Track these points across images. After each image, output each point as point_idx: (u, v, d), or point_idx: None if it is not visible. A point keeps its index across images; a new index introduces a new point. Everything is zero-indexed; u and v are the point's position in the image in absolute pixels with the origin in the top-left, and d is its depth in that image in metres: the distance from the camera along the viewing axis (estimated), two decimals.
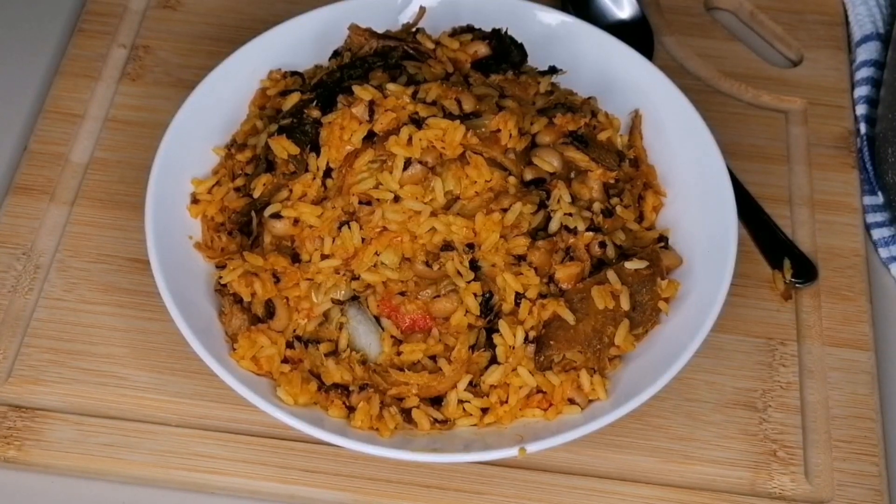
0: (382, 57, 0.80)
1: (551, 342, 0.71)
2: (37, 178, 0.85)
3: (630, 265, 0.74)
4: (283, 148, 0.76)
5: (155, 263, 0.73)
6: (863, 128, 0.90)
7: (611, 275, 0.73)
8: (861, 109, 0.91)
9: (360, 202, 0.73)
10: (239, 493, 0.73)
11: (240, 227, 0.77)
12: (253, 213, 0.76)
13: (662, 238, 0.78)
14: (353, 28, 0.83)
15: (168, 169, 0.78)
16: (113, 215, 0.83)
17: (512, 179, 0.75)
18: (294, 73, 0.83)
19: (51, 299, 0.79)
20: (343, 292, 0.73)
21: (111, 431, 0.74)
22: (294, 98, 0.79)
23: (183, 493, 0.73)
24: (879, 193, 0.88)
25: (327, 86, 0.79)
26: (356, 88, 0.75)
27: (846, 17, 0.97)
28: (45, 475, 0.73)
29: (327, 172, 0.75)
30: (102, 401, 0.75)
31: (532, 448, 0.68)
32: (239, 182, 0.79)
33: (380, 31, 0.83)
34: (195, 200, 0.79)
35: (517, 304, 0.72)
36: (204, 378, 0.73)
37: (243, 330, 0.73)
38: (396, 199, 0.73)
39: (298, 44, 0.85)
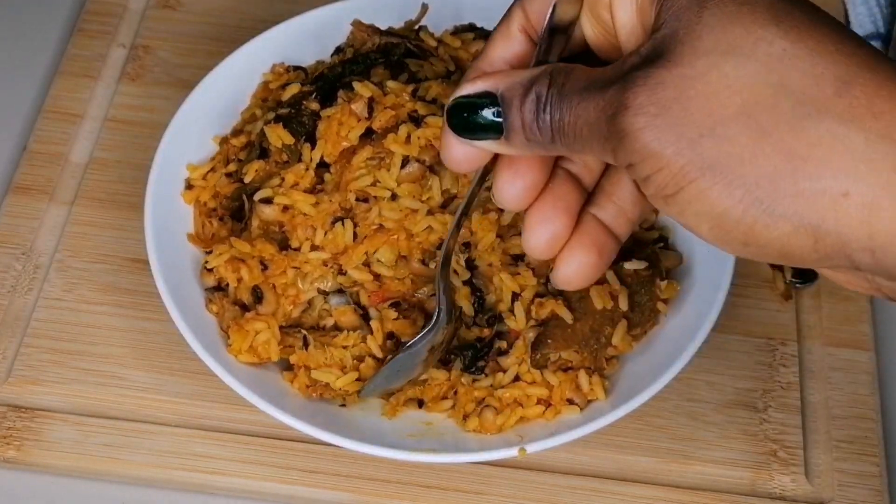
0: (384, 54, 0.80)
1: (548, 340, 0.71)
2: (36, 178, 0.85)
3: (629, 265, 0.73)
4: (279, 137, 0.76)
5: (154, 263, 0.73)
6: None
7: (609, 275, 0.73)
8: None
9: (358, 199, 0.73)
10: (239, 494, 0.73)
11: (231, 212, 0.77)
12: (244, 197, 0.75)
13: (662, 238, 0.78)
14: (356, 24, 0.83)
15: (167, 169, 0.78)
16: (112, 215, 0.83)
17: None
18: (297, 68, 0.83)
19: (50, 299, 0.79)
20: (329, 284, 0.73)
21: (111, 432, 0.74)
22: (294, 89, 0.79)
23: (183, 493, 0.73)
24: None
25: (328, 79, 0.79)
26: (356, 85, 0.75)
27: (846, 17, 0.97)
28: (45, 475, 0.73)
29: (322, 165, 0.75)
30: (102, 401, 0.75)
31: (532, 448, 0.68)
32: (232, 167, 0.78)
33: (383, 27, 0.83)
34: (189, 186, 0.79)
35: (513, 304, 0.72)
36: (204, 378, 0.73)
37: (236, 320, 0.73)
38: (394, 196, 0.73)
39: (300, 42, 0.85)
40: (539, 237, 0.51)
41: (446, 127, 0.51)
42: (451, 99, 0.50)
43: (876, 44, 0.93)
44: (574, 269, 0.52)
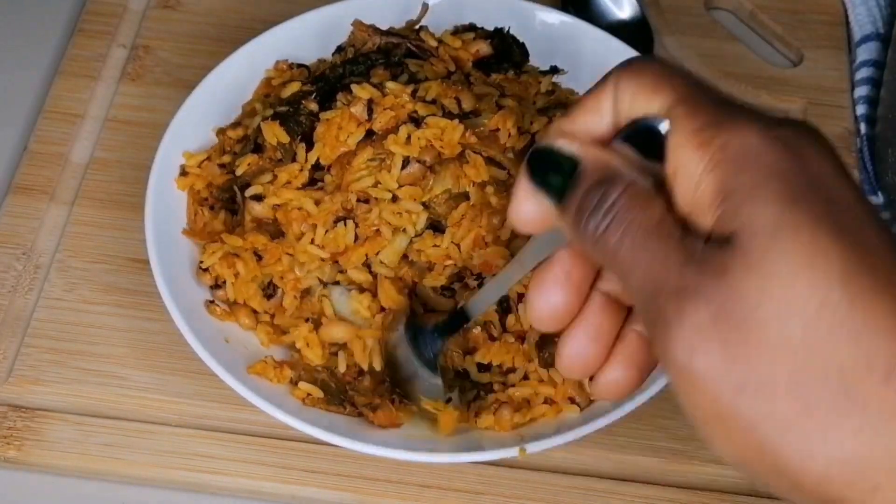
0: (385, 54, 0.80)
1: (555, 339, 0.71)
2: (37, 178, 0.85)
3: None
4: (274, 134, 0.76)
5: (154, 263, 0.73)
6: (863, 128, 0.90)
7: None
8: (861, 109, 0.91)
9: (358, 200, 0.73)
10: (239, 494, 0.73)
11: (223, 203, 0.77)
12: (236, 189, 0.75)
13: None
14: (357, 24, 0.83)
15: (168, 169, 0.78)
16: (113, 215, 0.83)
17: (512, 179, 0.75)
18: (300, 66, 0.84)
19: (51, 299, 0.79)
20: (328, 275, 0.73)
21: (111, 431, 0.74)
22: (294, 87, 0.79)
23: (183, 493, 0.73)
24: (879, 193, 0.88)
25: (328, 80, 0.79)
26: (355, 87, 0.75)
27: (846, 17, 0.97)
28: (45, 475, 0.73)
29: (317, 167, 0.75)
30: (103, 401, 0.75)
31: (532, 448, 0.68)
32: (226, 159, 0.78)
33: (383, 27, 0.83)
34: (184, 173, 0.79)
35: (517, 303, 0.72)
36: (205, 378, 0.73)
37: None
38: (394, 198, 0.73)
39: (301, 42, 0.85)
40: (573, 365, 0.51)
41: (519, 178, 0.49)
42: (542, 143, 0.48)
43: (876, 44, 0.93)
44: (612, 387, 0.51)
